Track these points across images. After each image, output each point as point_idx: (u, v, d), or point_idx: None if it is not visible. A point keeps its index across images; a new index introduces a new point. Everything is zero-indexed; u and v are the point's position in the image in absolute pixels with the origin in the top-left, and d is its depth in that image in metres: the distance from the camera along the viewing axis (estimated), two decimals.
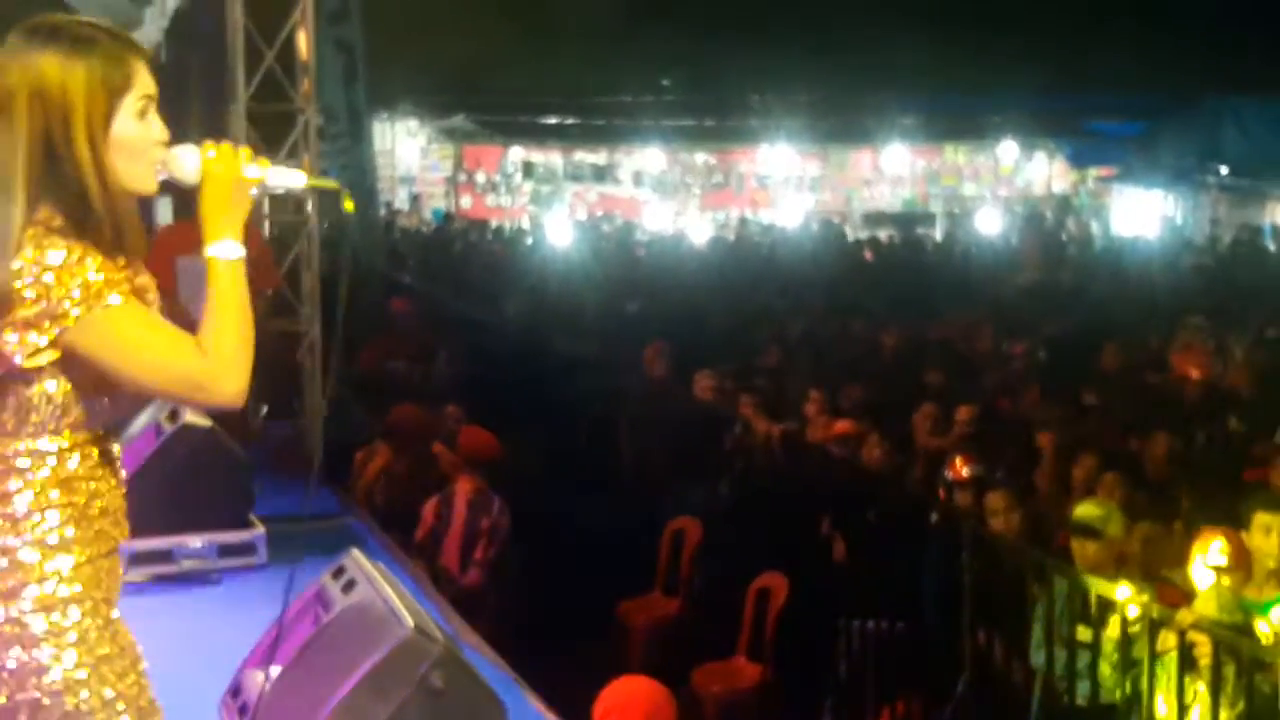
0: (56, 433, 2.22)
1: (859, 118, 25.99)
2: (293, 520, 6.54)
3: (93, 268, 2.15)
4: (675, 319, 11.90)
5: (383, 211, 20.42)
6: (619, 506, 8.04)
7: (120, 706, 2.28)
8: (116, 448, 2.37)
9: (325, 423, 8.19)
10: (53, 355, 2.15)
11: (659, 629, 7.07)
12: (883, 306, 12.50)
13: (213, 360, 2.26)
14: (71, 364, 2.17)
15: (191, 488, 5.99)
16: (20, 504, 2.20)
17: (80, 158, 2.19)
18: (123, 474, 2.40)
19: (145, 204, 2.89)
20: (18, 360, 2.13)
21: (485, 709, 3.74)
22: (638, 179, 28.99)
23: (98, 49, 2.20)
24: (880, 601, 6.32)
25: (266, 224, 9.20)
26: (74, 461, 2.24)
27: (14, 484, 2.20)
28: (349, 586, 4.03)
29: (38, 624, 2.19)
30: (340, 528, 6.67)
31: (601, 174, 29.11)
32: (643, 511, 7.89)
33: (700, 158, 29.17)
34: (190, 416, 6.11)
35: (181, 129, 8.35)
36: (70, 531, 2.23)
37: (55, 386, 2.19)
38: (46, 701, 2.20)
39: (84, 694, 2.23)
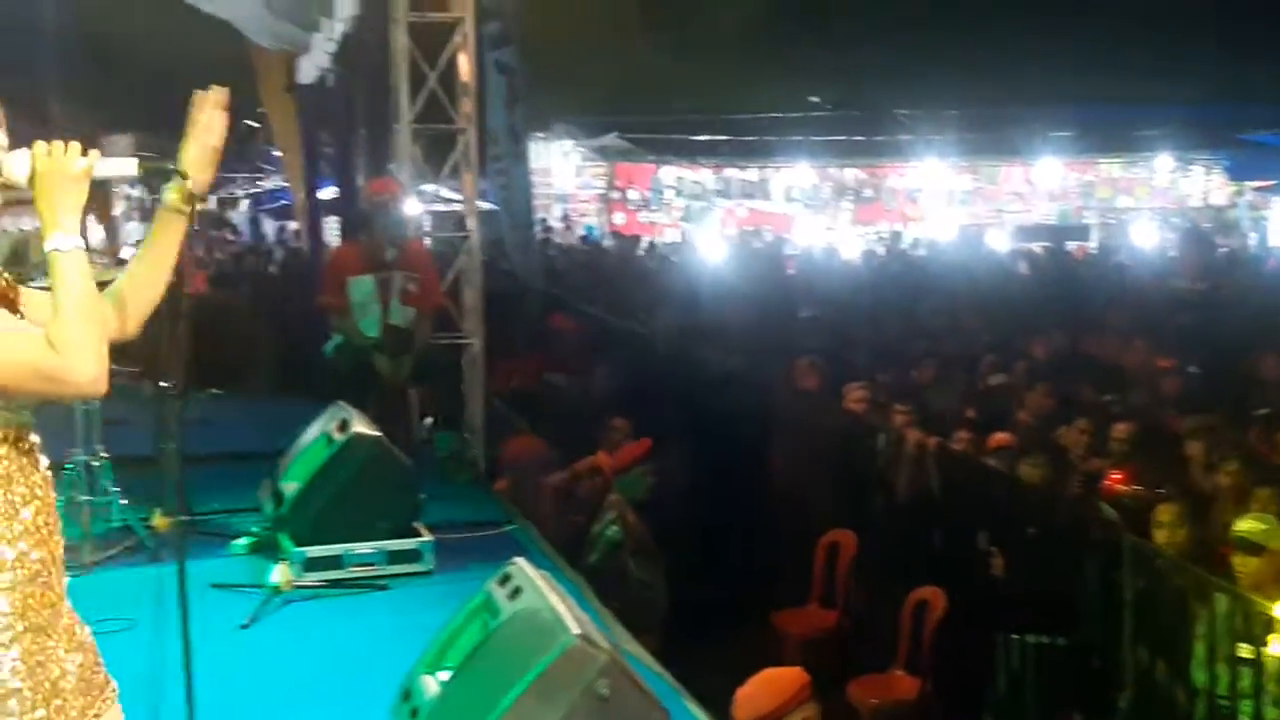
0: None
1: (1010, 131, 25.65)
2: (458, 528, 6.76)
3: None
4: (826, 332, 11.91)
5: (538, 230, 20.71)
6: (772, 519, 8.08)
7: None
8: (38, 461, 2.43)
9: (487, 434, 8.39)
10: None
11: (815, 640, 7.09)
12: (1037, 319, 12.34)
13: (61, 352, 2.26)
14: None
15: (361, 496, 6.18)
16: None
17: None
18: (44, 490, 2.43)
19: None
20: None
21: (650, 717, 3.80)
22: (788, 194, 28.97)
23: None
24: (1040, 616, 6.26)
25: (428, 242, 9.41)
26: None
27: None
28: (515, 594, 4.12)
29: None
30: (504, 536, 6.81)
31: (752, 190, 29.14)
32: (796, 524, 7.91)
33: (850, 172, 29.05)
34: (360, 427, 6.31)
35: (348, 149, 8.64)
36: None
37: None
38: None
39: None
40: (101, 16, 14.59)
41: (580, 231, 27.24)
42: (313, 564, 6.03)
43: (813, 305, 14.06)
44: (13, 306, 2.40)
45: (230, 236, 23.29)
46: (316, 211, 14.50)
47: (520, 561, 4.31)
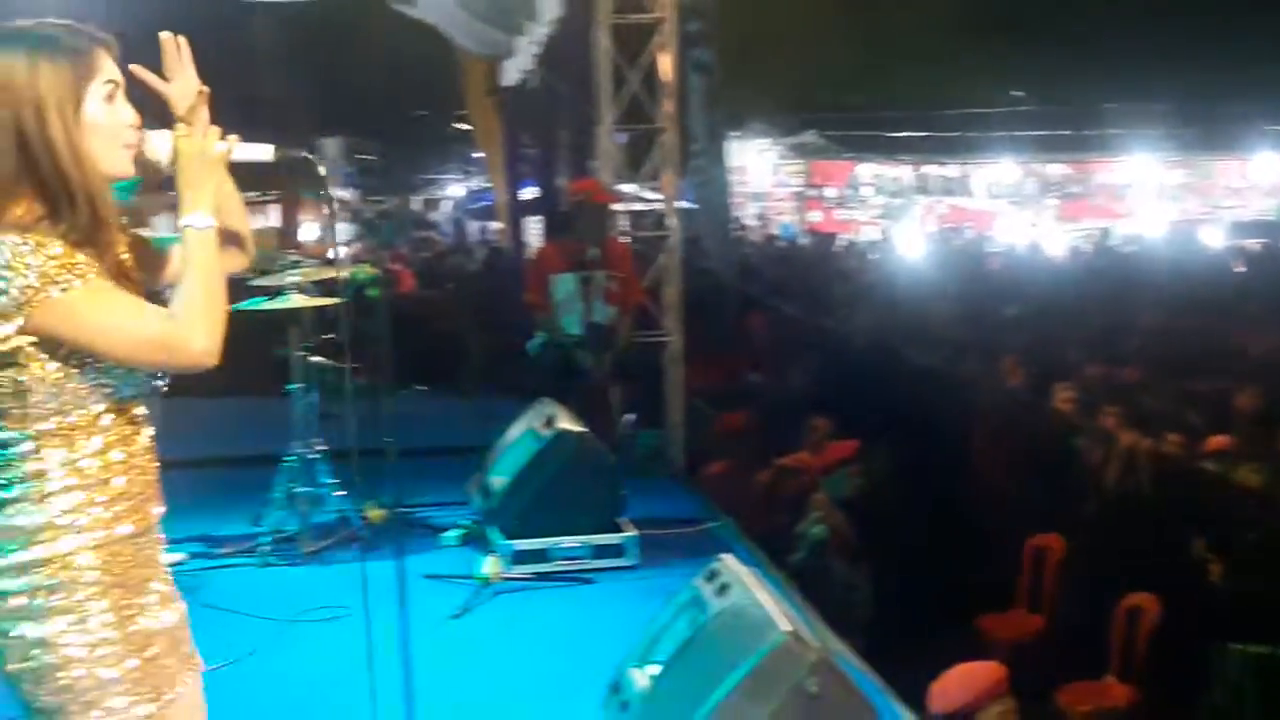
0: (61, 414, 2.36)
1: (1225, 125, 24.78)
2: (660, 524, 6.80)
3: (50, 254, 2.26)
4: (1031, 330, 11.66)
5: (735, 228, 20.73)
6: (977, 521, 7.94)
7: (117, 689, 2.38)
8: (142, 433, 2.50)
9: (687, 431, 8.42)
10: (25, 340, 2.29)
11: (1022, 645, 6.95)
12: (1254, 318, 11.91)
13: (179, 323, 2.34)
14: (49, 345, 2.31)
15: (566, 491, 6.28)
16: (36, 484, 2.35)
17: (54, 140, 2.33)
18: (150, 458, 2.51)
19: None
20: None
21: (860, 716, 3.77)
22: (991, 190, 28.45)
23: (59, 42, 2.36)
24: (1260, 626, 6.04)
25: (629, 241, 9.48)
26: (85, 443, 2.38)
27: (31, 466, 2.35)
28: (723, 590, 4.14)
29: (45, 601, 2.33)
30: (707, 532, 6.83)
31: (953, 186, 28.71)
32: (1002, 526, 7.77)
33: (1055, 168, 28.39)
34: (565, 423, 6.41)
35: (550, 150, 8.79)
36: (83, 516, 2.35)
37: (42, 369, 2.32)
38: (45, 672, 2.34)
39: (78, 672, 2.35)
40: (314, 25, 15.03)
41: (776, 229, 27.16)
42: (520, 557, 6.14)
43: (1016, 303, 13.79)
44: (129, 277, 2.48)
45: (435, 237, 23.80)
46: (518, 212, 14.74)
47: (727, 558, 4.33)
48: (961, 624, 7.12)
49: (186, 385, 6.52)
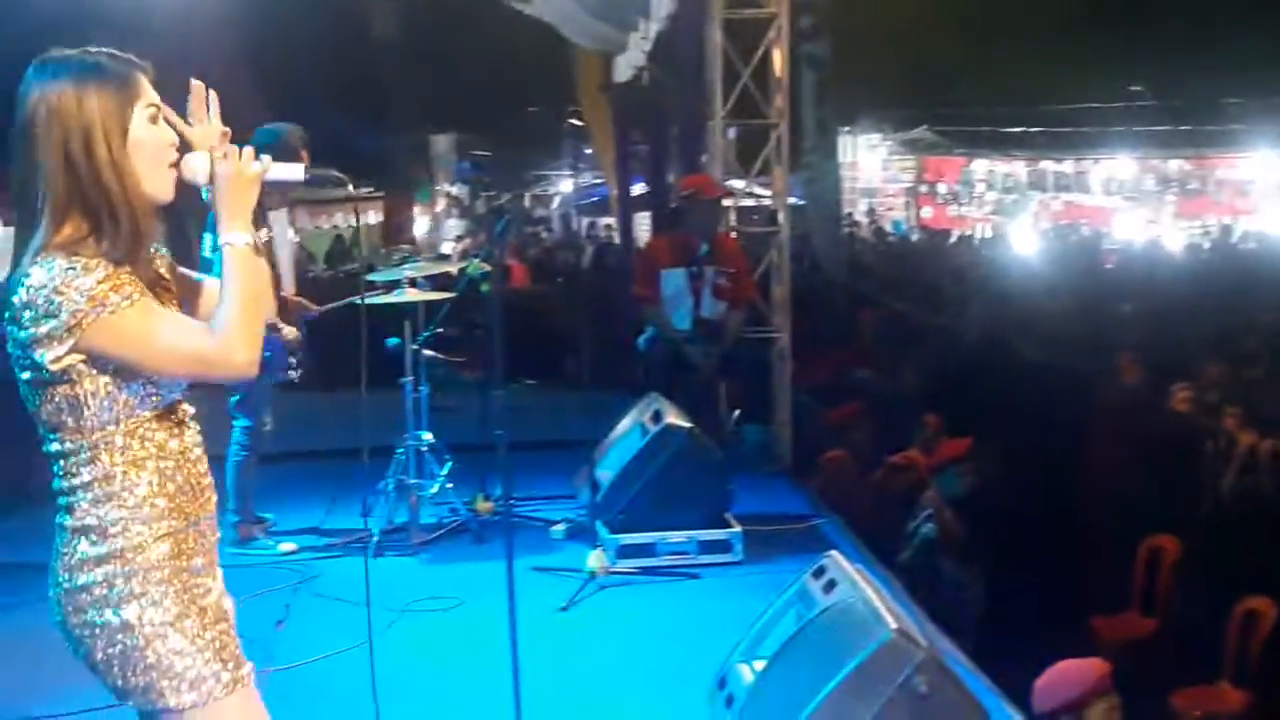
0: (115, 423, 2.48)
1: None
2: (766, 520, 6.79)
3: (97, 279, 2.38)
4: (1148, 328, 11.46)
5: (845, 224, 20.63)
6: (1091, 520, 7.82)
7: (199, 659, 2.49)
8: (189, 428, 2.62)
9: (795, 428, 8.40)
10: (77, 358, 2.41)
11: (1134, 647, 6.84)
12: None
13: (220, 337, 2.46)
14: (98, 362, 2.43)
15: (673, 486, 6.28)
16: (102, 486, 2.49)
17: (100, 163, 2.45)
18: (200, 451, 2.64)
19: None
20: (49, 368, 2.41)
21: (969, 716, 3.74)
22: (1107, 187, 27.98)
23: (105, 69, 2.49)
24: None
25: (739, 236, 9.47)
26: (138, 446, 2.51)
27: (94, 470, 2.48)
28: (830, 586, 4.12)
29: (122, 588, 2.47)
30: (812, 530, 6.81)
31: (1068, 182, 28.27)
32: (1116, 526, 7.65)
33: (1175, 164, 27.83)
34: (672, 418, 6.42)
35: (660, 146, 8.77)
36: (148, 509, 2.49)
37: (94, 384, 2.45)
38: (134, 654, 2.48)
39: (162, 648, 2.48)
40: (429, 22, 15.22)
41: (888, 226, 26.95)
42: (626, 551, 6.17)
43: (1133, 300, 13.55)
44: (167, 288, 2.62)
45: (545, 233, 23.96)
46: (628, 207, 14.78)
47: (835, 554, 4.31)
48: (1073, 625, 7.02)
49: (302, 381, 6.62)
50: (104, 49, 2.52)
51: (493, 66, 18.04)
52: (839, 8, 14.50)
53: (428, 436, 6.78)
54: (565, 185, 26.76)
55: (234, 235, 2.54)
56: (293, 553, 6.58)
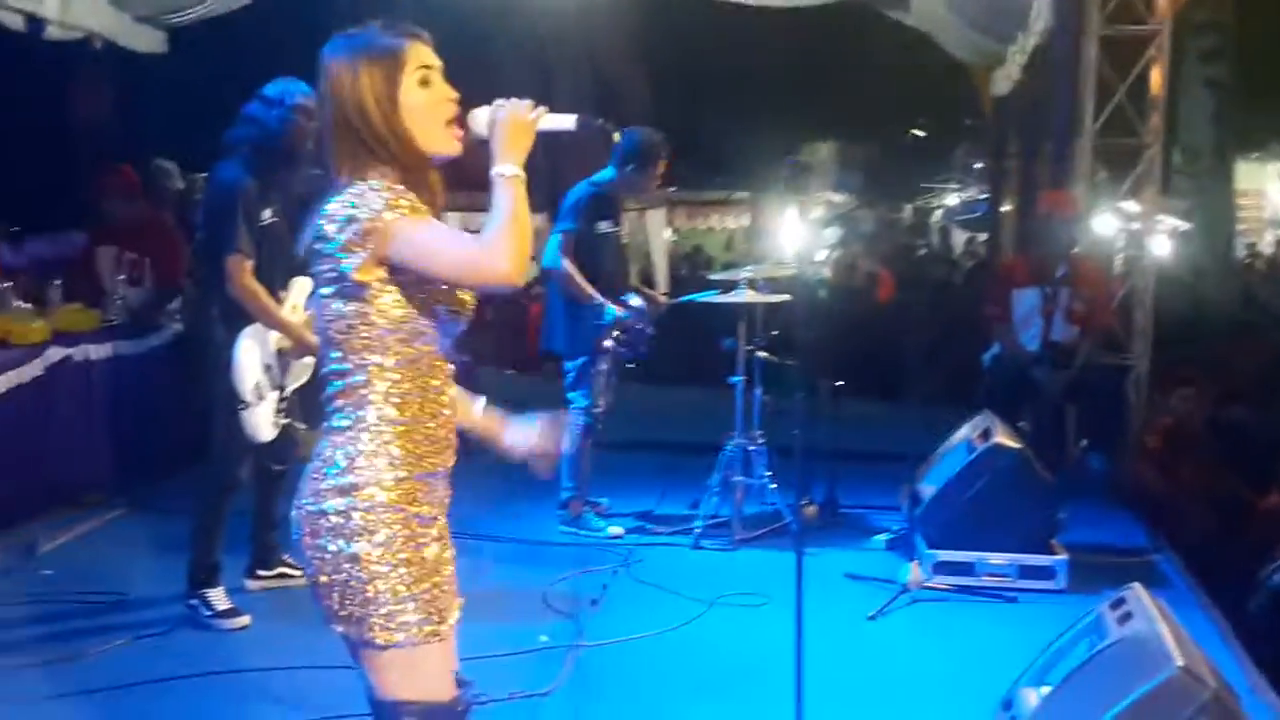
0: (395, 351, 2.66)
1: None
2: (1099, 551, 6.59)
3: (388, 191, 2.60)
4: None
5: (1243, 253, 19.56)
6: None
7: (411, 605, 2.62)
8: (450, 389, 2.77)
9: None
10: (376, 269, 2.60)
11: None
12: None
13: (488, 246, 2.60)
14: (394, 274, 2.62)
15: (997, 506, 6.17)
16: (361, 416, 2.65)
17: (380, 133, 2.67)
18: (449, 412, 2.76)
19: None
20: (350, 272, 2.60)
21: None
22: None
23: (374, 45, 2.70)
24: None
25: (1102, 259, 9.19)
26: (408, 384, 2.67)
27: (362, 397, 2.66)
28: (1125, 618, 4.01)
29: (357, 521, 2.61)
30: (1147, 565, 6.56)
31: None
32: None
33: None
34: (1001, 438, 6.32)
35: (1030, 161, 8.52)
36: (397, 450, 2.65)
37: (389, 300, 2.63)
38: (354, 584, 2.61)
39: (383, 586, 2.61)
40: (813, 30, 15.32)
41: None
42: (943, 567, 6.12)
43: None
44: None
45: (920, 243, 23.74)
46: (998, 224, 14.51)
47: (1137, 586, 4.19)
48: None
49: (641, 373, 6.90)
50: (379, 21, 2.76)
51: (877, 77, 18.01)
52: (1247, 28, 13.79)
53: (757, 435, 6.90)
54: (950, 199, 26.40)
55: (505, 167, 2.71)
56: (619, 537, 6.84)
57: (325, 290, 2.68)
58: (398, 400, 2.67)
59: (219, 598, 5.47)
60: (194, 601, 5.47)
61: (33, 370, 6.81)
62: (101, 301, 7.83)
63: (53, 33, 9.10)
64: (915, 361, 11.65)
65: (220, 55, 10.77)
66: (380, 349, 2.66)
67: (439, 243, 2.62)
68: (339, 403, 2.69)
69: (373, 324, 2.64)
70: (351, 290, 2.63)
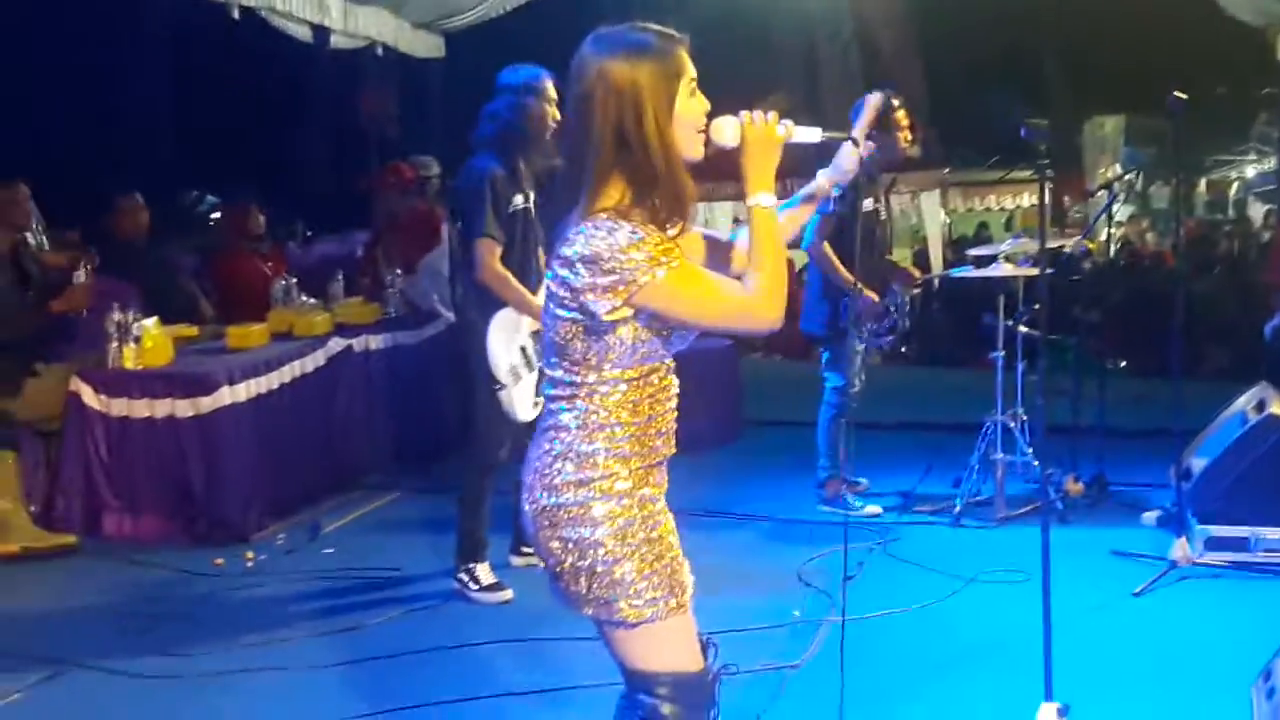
0: (628, 367, 2.70)
1: None
2: None
3: (651, 243, 2.57)
4: None
5: None
6: None
7: (654, 580, 2.70)
8: (673, 380, 2.80)
9: None
10: (627, 312, 2.62)
11: None
12: None
13: (753, 293, 2.65)
14: (641, 315, 2.63)
15: (1274, 479, 5.90)
16: (597, 420, 2.71)
17: (651, 140, 2.61)
18: (675, 401, 2.81)
19: None
20: (601, 316, 2.61)
21: None
22: None
23: (655, 46, 2.63)
24: None
25: None
26: (639, 391, 2.72)
27: (594, 404, 2.71)
28: None
29: (599, 510, 2.70)
30: None
31: None
32: None
33: None
34: (1277, 408, 6.05)
35: None
36: (629, 445, 2.72)
37: (629, 333, 2.66)
38: (600, 569, 2.69)
39: (627, 567, 2.69)
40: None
41: None
42: (1215, 543, 5.89)
43: None
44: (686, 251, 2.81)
45: (1220, 216, 22.70)
46: None
47: None
48: None
49: (899, 354, 6.89)
50: (649, 25, 2.71)
51: (1171, 45, 17.34)
52: None
53: (1020, 413, 6.79)
54: (1248, 170, 25.12)
55: (760, 197, 2.74)
56: (876, 515, 6.83)
57: (562, 313, 2.70)
58: (627, 406, 2.73)
59: (485, 573, 5.72)
60: (461, 576, 5.73)
61: (315, 360, 7.25)
62: (381, 295, 8.27)
63: (337, 41, 9.62)
64: (1204, 337, 11.19)
65: (495, 58, 11.18)
66: (613, 365, 2.71)
67: (706, 296, 2.65)
68: (568, 410, 2.75)
69: (608, 346, 2.69)
70: (595, 325, 2.66)
